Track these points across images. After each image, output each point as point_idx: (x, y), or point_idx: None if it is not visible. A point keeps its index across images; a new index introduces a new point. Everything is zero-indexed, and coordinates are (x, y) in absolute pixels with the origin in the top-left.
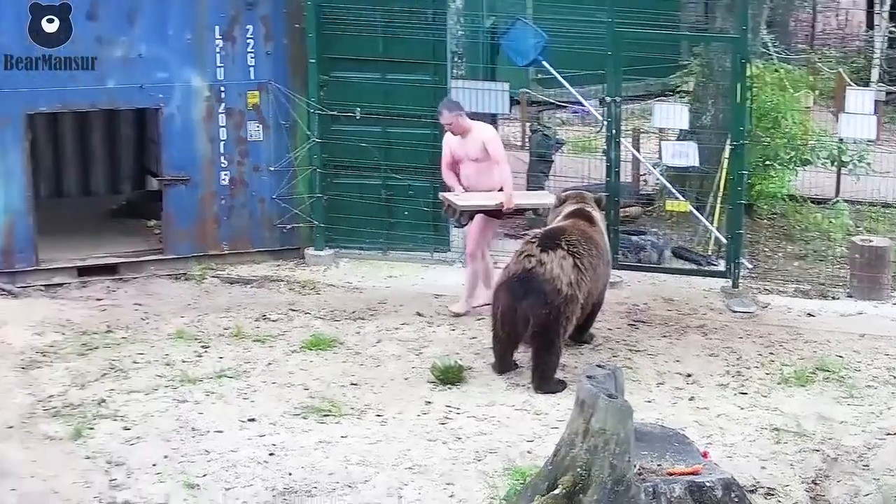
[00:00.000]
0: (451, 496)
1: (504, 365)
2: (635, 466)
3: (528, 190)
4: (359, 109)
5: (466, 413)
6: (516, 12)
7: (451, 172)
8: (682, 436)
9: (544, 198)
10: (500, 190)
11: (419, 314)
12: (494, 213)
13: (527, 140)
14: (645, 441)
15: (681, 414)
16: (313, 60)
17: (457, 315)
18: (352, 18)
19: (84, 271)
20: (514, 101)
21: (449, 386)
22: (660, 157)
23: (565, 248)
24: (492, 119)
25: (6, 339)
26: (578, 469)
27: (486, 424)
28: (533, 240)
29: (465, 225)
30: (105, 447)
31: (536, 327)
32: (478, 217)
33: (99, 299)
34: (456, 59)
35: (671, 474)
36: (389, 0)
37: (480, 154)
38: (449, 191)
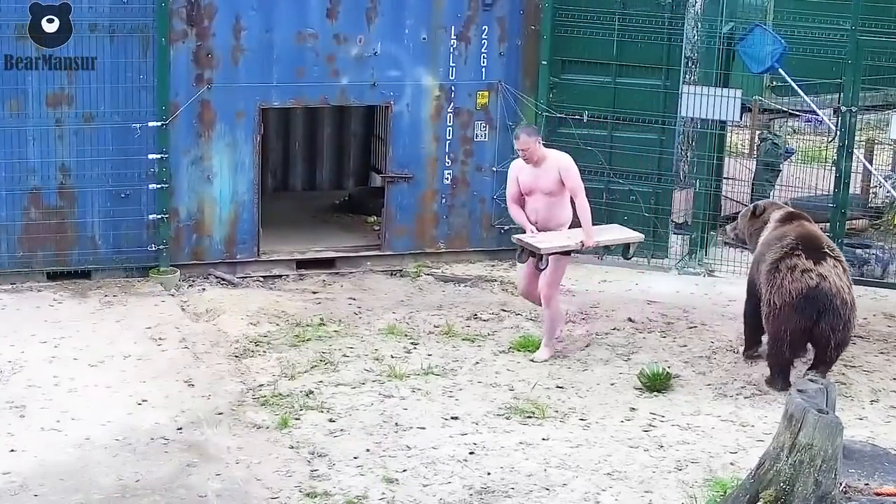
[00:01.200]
0: None
1: (787, 382)
2: (841, 484)
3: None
4: (586, 112)
5: (671, 421)
6: (756, 18)
7: (519, 208)
8: (894, 455)
9: (625, 233)
10: (571, 226)
11: (630, 320)
12: (568, 252)
13: (755, 148)
14: (853, 459)
15: (894, 433)
16: (545, 62)
17: (543, 361)
18: (588, 21)
19: (302, 264)
20: (745, 109)
21: (655, 393)
22: (893, 170)
23: (831, 254)
24: (721, 126)
25: (222, 327)
26: (782, 484)
27: (689, 434)
28: (797, 252)
29: (545, 268)
30: (309, 438)
31: (836, 343)
32: (551, 258)
33: (314, 292)
34: (690, 65)
35: (878, 494)
36: (628, 4)
37: (555, 186)
38: (521, 231)
